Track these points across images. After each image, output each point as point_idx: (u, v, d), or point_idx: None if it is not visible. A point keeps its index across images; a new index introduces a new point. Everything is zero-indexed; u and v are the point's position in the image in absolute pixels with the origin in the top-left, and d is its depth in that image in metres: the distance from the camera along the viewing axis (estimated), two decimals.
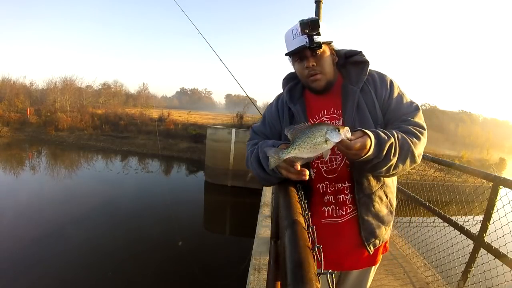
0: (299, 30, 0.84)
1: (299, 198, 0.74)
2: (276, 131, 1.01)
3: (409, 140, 0.79)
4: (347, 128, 0.70)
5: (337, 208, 0.92)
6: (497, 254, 1.74)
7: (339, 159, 0.91)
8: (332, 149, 0.83)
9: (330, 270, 0.40)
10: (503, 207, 1.89)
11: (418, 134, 0.83)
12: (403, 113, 0.88)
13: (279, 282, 0.72)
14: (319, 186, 0.92)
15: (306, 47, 0.84)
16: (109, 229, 8.27)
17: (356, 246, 0.93)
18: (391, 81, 0.93)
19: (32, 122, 24.96)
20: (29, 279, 5.72)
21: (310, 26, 0.81)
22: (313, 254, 0.46)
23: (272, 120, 1.02)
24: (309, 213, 0.62)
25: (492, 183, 1.87)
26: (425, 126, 0.88)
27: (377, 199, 0.91)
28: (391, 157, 0.76)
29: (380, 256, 1.01)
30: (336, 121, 0.91)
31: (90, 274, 6.05)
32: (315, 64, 0.87)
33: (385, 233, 0.95)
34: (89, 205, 9.91)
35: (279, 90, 1.07)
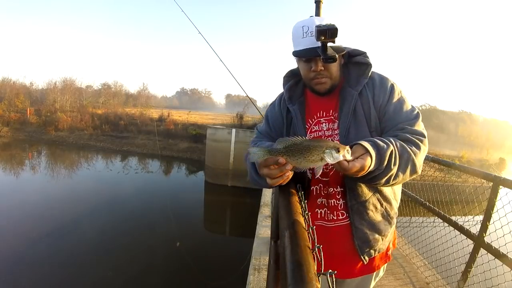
0: (311, 30, 0.79)
1: (299, 198, 0.74)
2: (279, 130, 0.98)
3: (408, 149, 0.75)
4: (347, 148, 0.66)
5: (328, 212, 0.90)
6: (497, 254, 1.74)
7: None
8: None
9: (330, 270, 0.40)
10: (503, 207, 1.89)
11: (418, 142, 0.79)
12: (401, 120, 0.83)
13: (279, 282, 0.72)
14: (313, 188, 0.91)
15: (316, 55, 0.79)
16: (109, 229, 8.27)
17: (349, 254, 0.89)
18: (391, 86, 0.88)
19: (32, 122, 24.96)
20: (29, 278, 5.72)
21: (328, 34, 0.73)
22: (313, 254, 0.46)
23: (275, 119, 1.00)
24: (309, 213, 0.62)
25: (492, 183, 1.87)
26: (426, 134, 0.83)
27: (371, 207, 0.86)
28: (392, 166, 0.72)
29: (381, 265, 0.96)
30: (333, 124, 0.89)
31: (90, 273, 6.05)
32: (323, 68, 0.84)
33: (381, 243, 0.91)
34: (89, 205, 9.91)
35: (279, 90, 1.04)
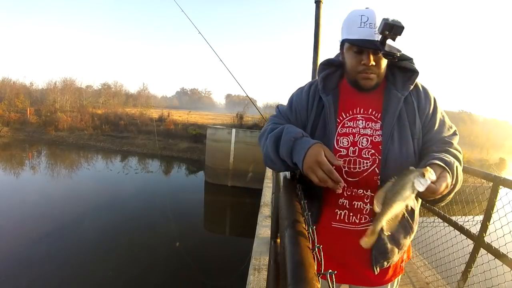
0: (370, 21, 0.75)
1: (299, 198, 0.74)
2: (300, 120, 0.90)
3: (459, 165, 0.75)
4: (429, 170, 0.63)
5: (351, 214, 0.83)
6: (497, 254, 1.74)
7: (368, 164, 0.80)
8: (359, 151, 0.78)
9: (330, 270, 0.40)
10: (503, 207, 1.89)
11: (460, 159, 0.78)
12: (445, 135, 0.83)
13: (279, 282, 0.72)
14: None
15: (375, 48, 0.75)
16: (109, 229, 8.26)
17: (361, 261, 0.84)
18: (434, 99, 0.86)
19: (32, 122, 24.97)
20: (30, 278, 5.72)
21: (393, 31, 0.70)
22: (313, 254, 0.46)
23: (299, 107, 0.91)
24: (309, 213, 0.62)
25: (492, 183, 1.87)
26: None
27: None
28: (458, 183, 0.71)
29: (393, 278, 0.91)
30: (373, 124, 0.83)
31: (90, 273, 6.05)
32: (374, 64, 0.79)
33: (396, 256, 0.86)
34: (89, 205, 9.91)
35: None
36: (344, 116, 0.85)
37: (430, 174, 0.62)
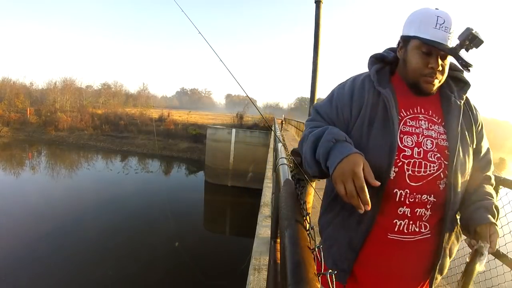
0: (446, 25, 0.72)
1: (299, 198, 0.74)
2: (342, 117, 0.82)
3: (497, 205, 0.78)
4: (486, 245, 0.67)
5: (411, 223, 0.74)
6: (497, 254, 1.74)
7: (435, 168, 0.73)
8: (425, 153, 0.74)
9: (330, 270, 0.40)
10: (503, 207, 1.89)
11: (494, 196, 0.81)
12: (486, 160, 0.83)
13: (279, 282, 0.72)
14: (396, 191, 0.73)
15: (454, 54, 0.71)
16: (109, 228, 8.27)
17: (416, 275, 0.77)
18: (479, 115, 0.84)
19: (32, 122, 24.99)
20: (30, 277, 5.73)
21: (474, 42, 0.69)
22: (313, 254, 0.46)
23: (341, 103, 0.83)
24: (310, 213, 0.62)
25: None
26: None
27: (457, 228, 0.79)
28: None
29: None
30: (437, 126, 0.78)
31: (90, 272, 6.05)
32: (441, 68, 0.75)
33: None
34: (89, 205, 9.92)
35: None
36: (405, 114, 0.78)
37: (490, 249, 0.68)
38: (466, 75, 0.82)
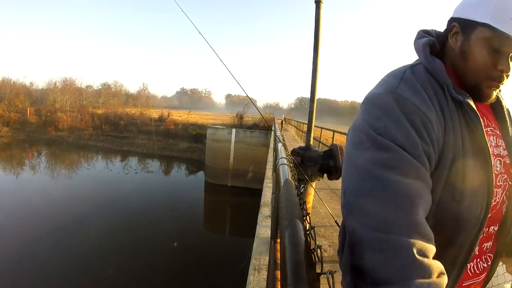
0: None
1: (299, 198, 0.74)
2: (435, 146, 0.52)
3: None
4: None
5: (478, 260, 0.63)
6: None
7: (500, 193, 0.59)
8: (495, 177, 0.57)
9: (330, 270, 0.40)
10: None
11: None
12: None
13: (279, 282, 0.72)
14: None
15: None
16: (110, 228, 8.27)
17: None
18: None
19: (32, 122, 24.99)
20: (30, 276, 5.73)
21: None
22: (313, 254, 0.46)
23: (425, 123, 0.50)
24: (310, 213, 0.62)
25: None
26: None
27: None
28: None
29: None
30: (500, 140, 0.63)
31: (91, 272, 6.06)
32: (510, 73, 0.57)
33: None
34: (89, 205, 9.92)
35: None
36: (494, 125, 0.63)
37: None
38: None
